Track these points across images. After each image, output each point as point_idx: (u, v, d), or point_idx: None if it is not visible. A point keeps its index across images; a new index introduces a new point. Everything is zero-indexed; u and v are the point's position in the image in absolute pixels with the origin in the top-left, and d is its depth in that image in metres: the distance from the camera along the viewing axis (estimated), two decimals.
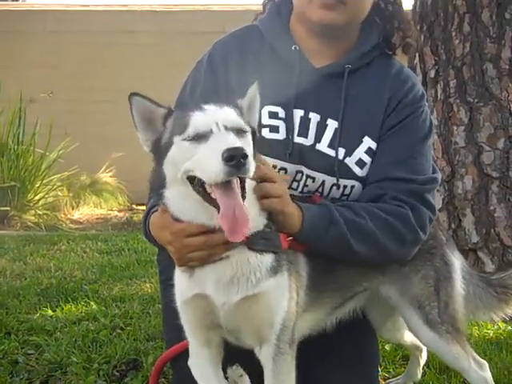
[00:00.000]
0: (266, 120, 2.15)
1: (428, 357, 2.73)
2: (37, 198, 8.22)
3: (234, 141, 1.65)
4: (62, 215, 8.50)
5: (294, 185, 2.17)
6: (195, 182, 1.71)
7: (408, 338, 2.58)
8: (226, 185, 1.64)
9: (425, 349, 2.65)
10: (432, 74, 4.45)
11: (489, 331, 3.44)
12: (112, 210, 9.29)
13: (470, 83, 4.28)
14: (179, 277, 1.92)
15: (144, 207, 8.18)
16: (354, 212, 2.04)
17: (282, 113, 2.17)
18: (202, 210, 1.75)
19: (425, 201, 2.13)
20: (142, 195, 8.99)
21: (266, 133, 2.14)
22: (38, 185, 8.17)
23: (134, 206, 9.47)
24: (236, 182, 1.67)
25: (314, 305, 2.03)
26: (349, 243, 2.00)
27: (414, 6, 4.60)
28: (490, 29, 4.24)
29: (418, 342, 2.61)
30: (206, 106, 1.76)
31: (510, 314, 2.43)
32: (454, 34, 4.34)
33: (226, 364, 2.03)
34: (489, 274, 2.51)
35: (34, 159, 8.19)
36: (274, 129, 2.15)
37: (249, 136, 1.78)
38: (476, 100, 4.25)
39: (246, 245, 1.80)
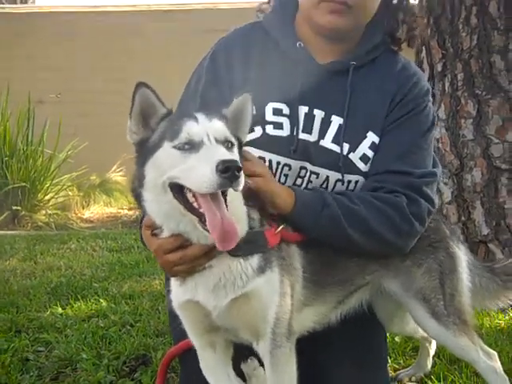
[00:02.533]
0: (269, 117, 2.15)
1: (438, 347, 2.73)
2: (47, 197, 8.26)
3: (226, 153, 1.65)
4: (73, 214, 8.53)
5: (298, 181, 2.16)
6: (175, 190, 1.70)
7: (416, 328, 2.56)
8: (212, 195, 1.64)
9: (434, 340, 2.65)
10: (439, 67, 4.42)
11: (500, 321, 3.44)
12: (122, 209, 9.31)
13: (477, 76, 4.25)
14: (173, 283, 1.94)
15: None
16: (348, 198, 2.04)
17: (286, 109, 2.16)
18: (178, 217, 1.75)
19: (422, 193, 2.12)
20: None
21: (269, 129, 2.14)
22: (47, 185, 8.20)
23: None
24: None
25: (315, 298, 2.03)
26: (343, 228, 1.99)
27: None
28: (497, 21, 4.19)
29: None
30: (198, 115, 1.75)
31: None
32: (461, 26, 4.31)
33: (240, 360, 2.04)
34: (492, 263, 2.50)
35: (43, 160, 8.22)
36: (278, 125, 2.15)
37: (235, 149, 1.78)
38: (484, 92, 4.21)
39: (227, 252, 1.79)
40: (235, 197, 1.76)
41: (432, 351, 2.70)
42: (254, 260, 1.83)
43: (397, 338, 3.05)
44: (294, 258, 1.96)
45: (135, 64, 9.75)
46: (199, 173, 1.60)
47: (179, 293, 1.90)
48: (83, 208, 8.93)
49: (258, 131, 2.13)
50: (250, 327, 1.87)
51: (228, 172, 1.56)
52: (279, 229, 1.90)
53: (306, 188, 2.15)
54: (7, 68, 9.36)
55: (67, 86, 9.59)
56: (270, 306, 1.84)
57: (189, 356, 2.15)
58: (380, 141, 2.16)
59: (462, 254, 2.30)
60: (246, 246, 1.79)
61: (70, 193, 8.72)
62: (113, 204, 9.34)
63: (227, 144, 1.73)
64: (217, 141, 1.69)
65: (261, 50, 2.23)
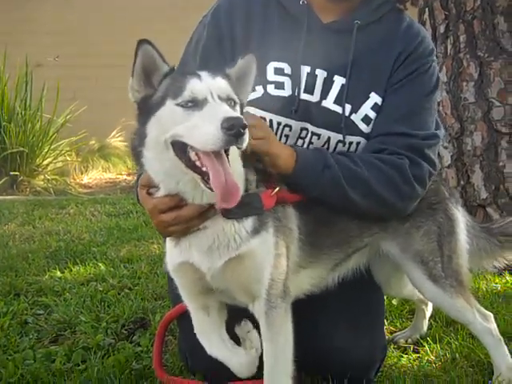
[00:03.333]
0: (271, 76, 2.12)
1: (434, 310, 2.74)
2: (45, 162, 8.24)
3: (230, 111, 1.63)
4: (71, 180, 8.52)
5: (299, 142, 2.15)
6: (177, 148, 1.68)
7: (413, 291, 2.57)
8: (215, 153, 1.62)
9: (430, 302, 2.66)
10: (442, 29, 4.35)
11: (497, 285, 3.43)
12: (121, 174, 9.30)
13: (480, 37, 4.18)
14: (168, 245, 1.94)
15: None
16: (350, 159, 2.03)
17: (287, 69, 2.13)
18: (179, 175, 1.74)
19: (425, 156, 2.11)
20: None
21: (271, 89, 2.12)
22: (46, 150, 8.17)
23: None
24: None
25: (312, 261, 2.03)
26: (343, 189, 1.98)
27: None
28: None
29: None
30: (201, 73, 1.72)
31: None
32: None
33: (234, 323, 2.03)
34: (489, 224, 2.49)
35: (42, 124, 8.17)
36: (280, 85, 2.12)
37: (238, 107, 1.76)
38: (486, 55, 4.15)
39: (221, 214, 1.79)
40: (234, 157, 1.75)
41: (428, 313, 2.71)
42: (249, 222, 1.82)
43: (394, 301, 3.06)
44: (290, 220, 1.94)
45: (136, 26, 9.61)
46: (204, 131, 1.59)
47: (174, 255, 1.90)
48: (82, 173, 8.92)
49: (260, 91, 2.11)
50: (245, 288, 1.86)
51: (233, 129, 1.54)
52: (275, 191, 1.88)
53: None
54: (5, 32, 9.22)
55: (66, 50, 9.45)
56: (264, 266, 1.83)
57: (187, 318, 2.15)
58: (383, 101, 2.14)
59: (461, 216, 2.29)
60: (241, 208, 1.77)
61: (68, 158, 8.70)
62: (111, 169, 9.34)
63: (230, 102, 1.71)
64: (220, 98, 1.67)
65: (263, 8, 2.20)
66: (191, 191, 1.75)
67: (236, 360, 1.92)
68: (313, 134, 2.13)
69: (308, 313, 2.02)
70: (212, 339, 1.96)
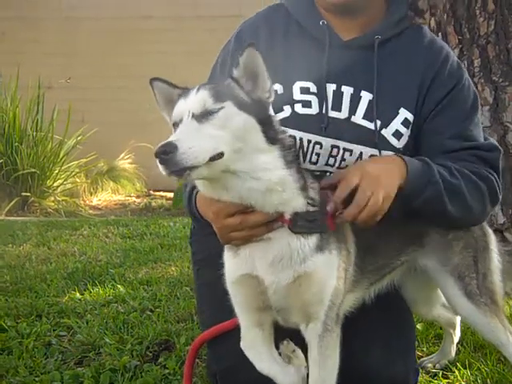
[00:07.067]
0: (297, 96, 2.14)
1: (462, 334, 2.72)
2: (56, 184, 8.28)
3: (178, 134, 1.65)
4: (81, 201, 8.55)
5: (331, 161, 2.15)
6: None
7: (442, 314, 2.57)
8: None
9: (458, 326, 2.65)
10: (456, 53, 4.36)
11: None
12: (130, 196, 9.33)
13: (494, 62, 4.21)
14: (227, 257, 1.92)
15: (161, 193, 8.16)
16: (449, 172, 2.05)
17: (313, 88, 2.15)
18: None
19: (495, 167, 2.15)
20: (159, 181, 8.92)
21: (298, 108, 2.13)
22: (56, 171, 8.22)
23: (151, 192, 9.51)
24: None
25: (355, 285, 2.02)
26: (443, 204, 2.03)
27: None
28: None
29: (452, 319, 2.61)
30: (192, 90, 1.75)
31: None
32: (478, 12, 4.25)
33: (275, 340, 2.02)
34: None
35: (53, 146, 8.23)
36: (307, 104, 2.14)
37: (221, 112, 1.69)
38: (501, 79, 4.18)
39: (288, 228, 1.80)
40: (270, 164, 1.75)
41: (456, 338, 2.67)
42: (313, 239, 1.81)
43: (419, 326, 3.03)
44: (349, 243, 1.94)
45: (144, 50, 9.71)
46: None
47: (234, 266, 1.88)
48: (91, 195, 8.95)
49: (288, 110, 2.13)
50: (305, 308, 1.85)
51: (156, 157, 1.57)
52: (339, 212, 1.87)
53: (339, 167, 2.14)
54: (17, 53, 9.32)
55: (76, 72, 9.53)
56: (327, 288, 1.83)
57: (219, 341, 2.15)
58: (428, 124, 2.16)
59: (493, 234, 2.30)
60: (307, 224, 1.79)
61: (77, 179, 8.74)
62: (120, 191, 9.36)
63: (205, 115, 1.68)
64: (194, 116, 1.68)
65: (284, 31, 2.23)
66: (261, 199, 1.76)
67: (285, 376, 1.90)
68: (345, 150, 2.14)
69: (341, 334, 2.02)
70: (263, 355, 1.94)
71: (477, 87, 4.20)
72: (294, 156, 1.84)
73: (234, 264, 1.88)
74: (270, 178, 1.74)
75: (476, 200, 2.09)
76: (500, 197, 2.15)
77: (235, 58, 1.99)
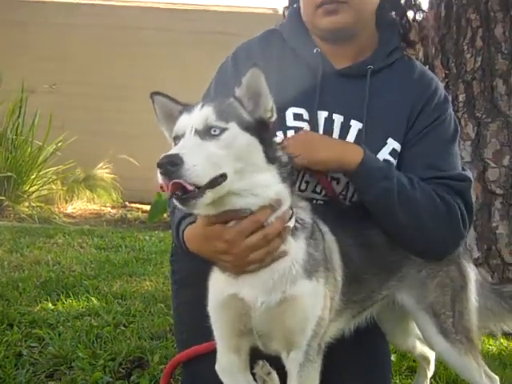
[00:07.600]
0: (290, 122, 2.16)
1: (436, 369, 2.71)
2: (32, 189, 8.16)
3: (180, 147, 1.61)
4: (56, 208, 8.44)
5: (319, 188, 2.17)
6: None
7: (417, 346, 2.57)
8: None
9: (433, 360, 2.65)
10: None
11: (491, 347, 3.42)
12: (105, 206, 9.22)
13: (479, 98, 4.28)
14: (216, 279, 1.87)
15: (137, 205, 8.03)
16: (410, 181, 2.07)
17: (306, 114, 2.17)
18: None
19: (465, 198, 2.14)
20: (136, 193, 8.89)
21: (291, 134, 2.14)
22: (33, 176, 8.11)
23: (127, 204, 9.42)
24: None
25: (339, 314, 2.01)
26: (393, 203, 2.03)
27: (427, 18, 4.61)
28: (502, 44, 4.23)
29: (426, 353, 2.61)
30: (197, 106, 1.73)
31: None
32: (465, 47, 4.34)
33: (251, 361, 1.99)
34: (501, 286, 2.51)
35: (32, 150, 8.13)
36: (299, 130, 2.15)
37: (226, 134, 1.67)
38: (484, 116, 4.24)
39: None
40: (256, 169, 1.72)
41: (430, 373, 2.66)
42: (301, 262, 1.79)
43: (392, 357, 2.99)
44: (337, 271, 1.93)
45: (130, 61, 9.69)
46: None
47: (222, 286, 1.83)
48: (66, 202, 8.84)
49: (280, 136, 2.12)
50: (288, 335, 1.82)
51: (158, 168, 1.54)
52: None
53: (325, 195, 2.16)
54: (1, 55, 9.23)
55: (60, 78, 9.44)
56: (312, 317, 1.81)
57: (194, 363, 2.13)
58: (407, 152, 2.18)
59: (473, 274, 2.30)
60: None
61: (53, 186, 8.63)
62: (96, 201, 9.25)
63: (211, 131, 1.66)
64: (197, 131, 1.65)
65: (280, 56, 2.26)
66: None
67: None
68: (332, 178, 2.15)
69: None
70: (239, 380, 1.92)
71: (460, 122, 4.26)
72: (289, 173, 1.82)
73: (222, 283, 1.84)
74: (268, 195, 1.73)
75: (433, 220, 2.07)
76: (466, 228, 2.13)
77: (238, 77, 1.98)
